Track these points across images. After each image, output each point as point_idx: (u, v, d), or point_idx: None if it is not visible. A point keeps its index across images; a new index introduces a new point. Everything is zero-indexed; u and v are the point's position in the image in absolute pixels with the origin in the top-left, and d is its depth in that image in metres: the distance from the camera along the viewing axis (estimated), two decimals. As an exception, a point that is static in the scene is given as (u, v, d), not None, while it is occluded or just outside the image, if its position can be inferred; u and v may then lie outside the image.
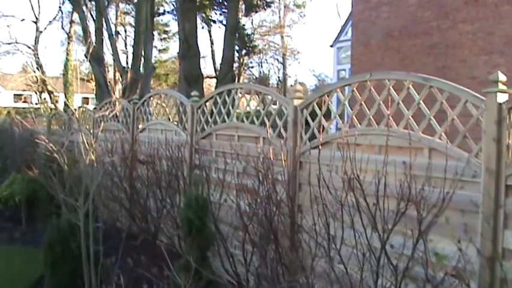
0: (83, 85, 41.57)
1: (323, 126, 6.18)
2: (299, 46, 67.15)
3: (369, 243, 4.40)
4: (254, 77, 43.77)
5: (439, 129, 4.87)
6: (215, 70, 38.60)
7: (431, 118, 4.97)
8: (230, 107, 7.67)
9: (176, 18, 31.93)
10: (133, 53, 17.77)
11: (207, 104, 8.30)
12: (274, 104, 7.01)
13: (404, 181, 4.16)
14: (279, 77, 47.23)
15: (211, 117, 8.09)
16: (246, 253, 6.28)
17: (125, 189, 9.26)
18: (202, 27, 33.73)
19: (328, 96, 6.18)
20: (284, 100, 6.72)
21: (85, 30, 18.92)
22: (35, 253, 9.89)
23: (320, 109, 6.19)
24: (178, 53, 14.60)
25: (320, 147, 5.90)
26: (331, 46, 20.81)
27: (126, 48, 36.54)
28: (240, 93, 7.78)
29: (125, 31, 36.92)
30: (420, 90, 5.09)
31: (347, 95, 6.03)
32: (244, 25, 24.59)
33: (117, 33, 34.64)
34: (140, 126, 10.18)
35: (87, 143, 6.01)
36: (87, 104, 54.12)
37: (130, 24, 34.39)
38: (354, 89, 5.84)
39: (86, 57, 20.29)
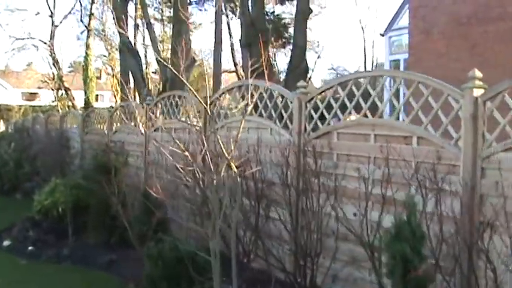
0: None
1: None
2: (319, 39, 64.27)
3: None
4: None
5: None
6: (235, 65, 36.93)
7: None
8: (360, 99, 6.13)
9: (201, 8, 30.43)
10: (172, 45, 16.26)
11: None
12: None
13: None
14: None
15: (327, 112, 6.56)
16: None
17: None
18: (231, 18, 32.03)
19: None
20: (453, 90, 5.18)
21: (119, 19, 17.38)
22: (92, 276, 8.35)
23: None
24: (240, 40, 13.06)
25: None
26: (382, 35, 19.29)
27: (144, 42, 34.95)
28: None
29: (142, 24, 35.26)
30: None
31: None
32: (278, 14, 22.88)
33: (137, 26, 33.15)
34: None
35: (224, 148, 4.39)
36: (96, 101, 52.81)
37: (155, 18, 32.79)
38: None
39: (121, 49, 18.74)
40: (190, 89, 6.09)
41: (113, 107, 15.04)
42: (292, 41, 14.18)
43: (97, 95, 56.00)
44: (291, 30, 24.63)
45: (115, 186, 9.32)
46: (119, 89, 32.76)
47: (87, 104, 33.63)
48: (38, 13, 35.65)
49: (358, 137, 6.12)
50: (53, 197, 10.74)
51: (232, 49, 36.00)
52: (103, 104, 47.80)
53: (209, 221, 6.38)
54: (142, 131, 10.91)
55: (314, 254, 6.10)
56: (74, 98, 33.14)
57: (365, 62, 48.60)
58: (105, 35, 36.40)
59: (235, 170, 4.51)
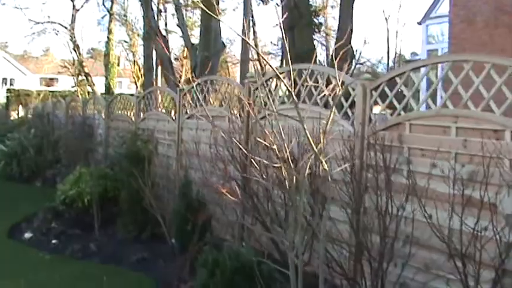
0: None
1: None
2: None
3: None
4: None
5: None
6: (258, 53, 36.15)
7: None
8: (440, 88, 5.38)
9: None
10: (201, 28, 15.54)
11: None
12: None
13: None
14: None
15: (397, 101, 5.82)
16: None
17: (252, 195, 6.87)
18: (258, 4, 31.15)
19: None
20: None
21: (145, 0, 16.67)
22: (125, 276, 7.63)
23: None
24: (282, 23, 12.33)
25: None
26: (419, 24, 18.46)
27: (166, 27, 34.01)
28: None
29: (165, 10, 34.54)
30: None
31: None
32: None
33: (160, 11, 32.31)
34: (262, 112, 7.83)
35: (312, 139, 3.65)
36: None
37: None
38: None
39: (148, 33, 18.01)
40: (267, 63, 5.30)
41: (140, 93, 14.36)
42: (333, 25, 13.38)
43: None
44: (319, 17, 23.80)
45: (148, 177, 8.70)
46: (140, 75, 32.19)
47: (109, 89, 33.02)
48: (60, -4, 35.04)
49: (435, 129, 5.37)
50: (78, 187, 10.10)
51: (255, 37, 35.23)
52: (121, 90, 47.20)
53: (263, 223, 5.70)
54: (175, 118, 10.20)
55: (383, 259, 5.37)
56: (94, 84, 32.49)
57: (388, 54, 47.63)
58: (126, 20, 35.69)
59: (326, 167, 3.78)
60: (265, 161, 4.23)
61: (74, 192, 10.04)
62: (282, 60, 36.43)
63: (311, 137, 5.82)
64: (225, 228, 7.39)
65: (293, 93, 3.95)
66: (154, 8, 29.21)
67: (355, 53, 10.73)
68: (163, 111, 11.43)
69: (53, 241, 9.33)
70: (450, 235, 4.74)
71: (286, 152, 3.86)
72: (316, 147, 3.71)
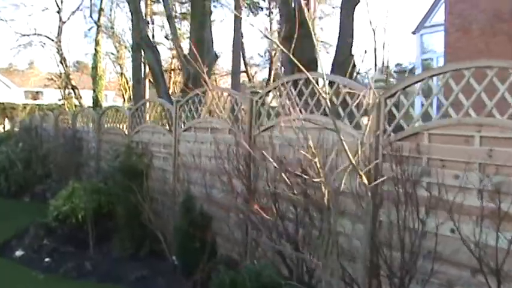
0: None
1: None
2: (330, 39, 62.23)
3: None
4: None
5: None
6: (245, 65, 36.08)
7: None
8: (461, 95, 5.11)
9: (215, 5, 29.53)
10: (192, 39, 15.19)
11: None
12: None
13: None
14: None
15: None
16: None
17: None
18: (248, 15, 31.02)
19: None
20: None
21: (135, 10, 16.37)
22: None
23: None
24: (279, 33, 12.07)
25: None
26: (414, 33, 18.33)
27: (153, 39, 33.63)
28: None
29: (153, 22, 34.11)
30: None
31: None
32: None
33: (148, 22, 31.97)
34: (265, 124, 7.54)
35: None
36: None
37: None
38: None
39: (138, 44, 17.65)
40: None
41: (133, 105, 14.04)
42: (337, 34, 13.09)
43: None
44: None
45: (146, 191, 8.39)
46: (127, 88, 31.87)
47: (96, 102, 32.57)
48: (47, 8, 34.70)
49: (454, 139, 5.10)
50: (71, 202, 9.73)
51: (242, 48, 35.06)
52: (107, 103, 46.87)
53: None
54: (171, 130, 9.87)
55: (405, 274, 5.07)
56: (81, 97, 32.04)
57: (375, 65, 47.56)
58: (113, 32, 35.32)
59: (366, 181, 3.48)
60: (305, 176, 3.90)
61: (67, 207, 9.67)
62: (269, 72, 36.35)
63: (319, 149, 5.55)
64: (231, 245, 7.06)
65: (327, 101, 3.64)
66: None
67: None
68: (161, 123, 11.13)
69: (46, 259, 8.96)
70: (477, 250, 4.47)
71: (323, 167, 3.56)
72: (354, 159, 3.40)
